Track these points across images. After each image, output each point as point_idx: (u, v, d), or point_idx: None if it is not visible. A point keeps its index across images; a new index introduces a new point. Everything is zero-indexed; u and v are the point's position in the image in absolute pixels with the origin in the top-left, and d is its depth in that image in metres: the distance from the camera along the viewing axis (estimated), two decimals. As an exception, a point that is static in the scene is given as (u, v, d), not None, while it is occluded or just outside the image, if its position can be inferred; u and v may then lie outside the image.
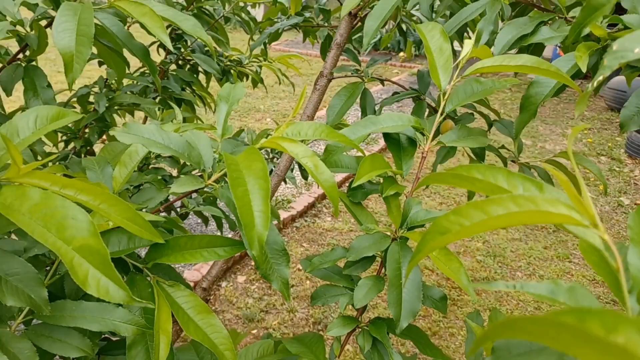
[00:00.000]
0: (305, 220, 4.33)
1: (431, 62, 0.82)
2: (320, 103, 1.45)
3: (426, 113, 1.34)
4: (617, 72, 0.80)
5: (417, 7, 1.58)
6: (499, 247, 3.92)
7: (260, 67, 2.24)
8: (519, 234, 4.13)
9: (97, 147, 1.74)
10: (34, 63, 0.95)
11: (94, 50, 0.92)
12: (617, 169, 5.55)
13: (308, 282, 3.54)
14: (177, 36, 1.93)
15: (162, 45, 2.01)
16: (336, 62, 1.36)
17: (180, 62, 2.06)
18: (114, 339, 0.85)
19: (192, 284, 3.23)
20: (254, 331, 3.05)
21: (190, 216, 3.68)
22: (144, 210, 0.79)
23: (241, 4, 2.08)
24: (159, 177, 1.36)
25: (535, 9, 1.05)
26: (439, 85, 0.81)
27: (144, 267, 0.73)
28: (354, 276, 0.84)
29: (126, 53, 0.93)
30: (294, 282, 3.53)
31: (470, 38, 0.89)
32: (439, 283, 3.44)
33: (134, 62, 1.12)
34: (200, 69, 2.08)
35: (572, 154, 1.11)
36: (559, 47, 1.07)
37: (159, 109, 1.72)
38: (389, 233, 0.78)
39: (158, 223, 0.76)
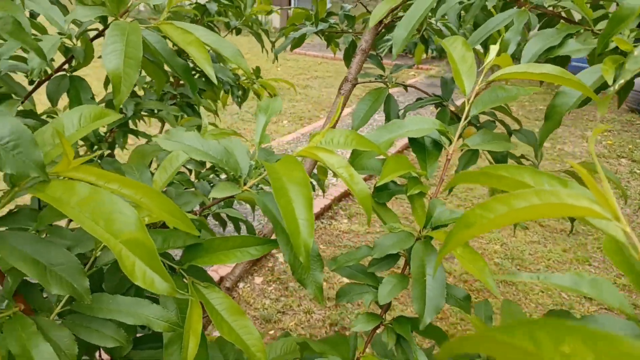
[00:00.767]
0: (322, 222, 4.35)
1: (455, 69, 0.83)
2: (344, 106, 1.47)
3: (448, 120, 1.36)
4: (638, 75, 0.82)
5: (433, 17, 1.60)
6: (517, 250, 3.90)
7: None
8: (537, 237, 4.11)
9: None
10: (78, 74, 0.98)
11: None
12: (638, 171, 5.50)
13: (325, 283, 3.56)
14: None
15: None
16: (361, 68, 1.38)
17: (194, 72, 2.10)
18: (139, 335, 0.88)
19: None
20: (271, 332, 3.07)
21: (207, 219, 3.74)
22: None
23: (253, 16, 2.11)
24: (186, 179, 1.40)
25: (563, 21, 1.06)
26: (464, 90, 0.83)
27: (180, 269, 0.75)
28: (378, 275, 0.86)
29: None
30: (310, 284, 3.54)
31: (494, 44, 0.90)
32: (455, 285, 3.44)
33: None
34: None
35: (588, 165, 1.11)
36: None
37: (180, 117, 1.76)
38: (413, 232, 0.80)
39: (194, 224, 0.79)
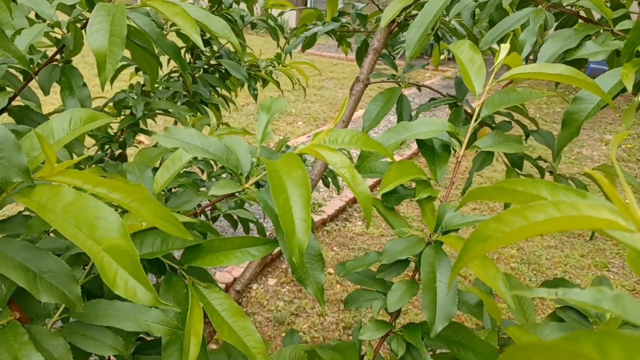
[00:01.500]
0: (336, 224, 4.32)
1: (463, 71, 0.81)
2: (355, 108, 1.44)
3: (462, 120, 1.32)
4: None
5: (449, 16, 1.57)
6: (534, 255, 3.84)
7: (271, 71, 2.24)
8: (554, 242, 4.04)
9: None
10: (71, 64, 0.97)
11: (127, 54, 0.93)
12: (659, 175, 5.39)
13: (339, 286, 3.53)
14: (205, 42, 1.95)
15: (188, 51, 2.05)
16: (373, 68, 1.35)
17: (206, 67, 2.08)
18: (148, 338, 0.86)
19: (223, 286, 3.26)
20: (284, 334, 3.05)
21: (219, 219, 3.73)
22: (179, 212, 0.80)
23: (269, 9, 2.09)
24: (192, 181, 1.38)
25: (581, 21, 1.02)
26: (474, 90, 0.79)
27: (180, 269, 0.73)
28: (388, 281, 0.83)
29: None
30: (325, 286, 3.51)
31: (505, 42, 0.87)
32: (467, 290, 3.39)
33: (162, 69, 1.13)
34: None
35: (608, 168, 1.07)
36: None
37: (190, 116, 1.74)
38: (423, 237, 0.77)
39: (193, 225, 0.77)
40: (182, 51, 1.94)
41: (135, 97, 1.71)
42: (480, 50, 1.20)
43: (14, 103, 0.93)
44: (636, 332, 0.23)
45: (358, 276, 0.84)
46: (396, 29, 1.46)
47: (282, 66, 2.24)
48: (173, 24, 1.69)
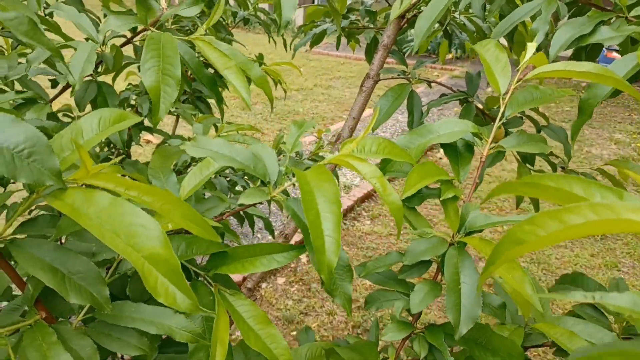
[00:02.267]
0: (345, 224, 4.32)
1: (488, 69, 0.80)
2: (366, 105, 1.44)
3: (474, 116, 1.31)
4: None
5: (457, 10, 1.56)
6: (543, 254, 3.82)
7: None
8: (564, 241, 4.02)
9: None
10: (104, 80, 0.97)
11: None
12: (668, 174, 5.36)
13: (348, 285, 3.53)
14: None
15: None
16: (383, 64, 1.35)
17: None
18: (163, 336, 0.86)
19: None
20: (293, 333, 3.05)
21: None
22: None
23: (261, 5, 2.08)
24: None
25: (594, 8, 1.02)
26: (498, 89, 0.79)
27: (205, 275, 0.73)
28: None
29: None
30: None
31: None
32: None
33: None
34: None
35: (619, 163, 1.06)
36: (606, 49, 1.04)
37: (193, 114, 1.74)
38: (445, 237, 0.76)
39: (218, 230, 0.77)
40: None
41: (137, 95, 1.72)
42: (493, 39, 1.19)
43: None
44: None
45: (379, 276, 0.83)
46: (405, 25, 1.46)
47: (264, 65, 2.23)
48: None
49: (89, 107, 1.10)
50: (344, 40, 1.92)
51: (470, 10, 1.49)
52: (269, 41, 2.16)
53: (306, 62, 8.97)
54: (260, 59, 2.14)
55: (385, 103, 1.29)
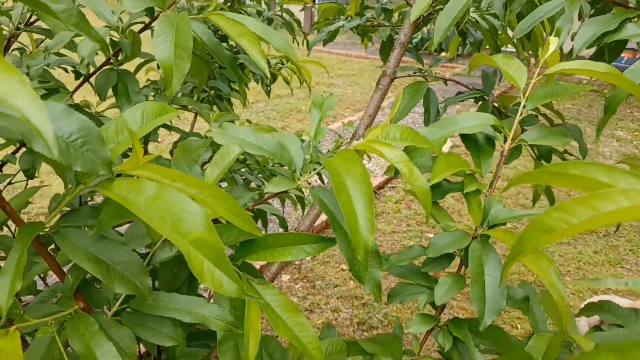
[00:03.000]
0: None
1: (504, 71, 0.82)
2: (382, 102, 1.45)
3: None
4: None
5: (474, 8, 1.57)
6: (546, 251, 3.84)
7: (280, 68, 2.23)
8: (567, 238, 4.04)
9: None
10: (125, 68, 0.98)
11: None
12: (670, 172, 5.37)
13: (352, 282, 3.55)
14: (222, 37, 1.96)
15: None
16: (399, 62, 1.36)
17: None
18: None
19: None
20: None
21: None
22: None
23: (285, 5, 2.10)
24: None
25: (617, 7, 1.03)
26: (517, 85, 0.80)
27: (234, 264, 0.74)
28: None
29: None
30: (338, 282, 3.54)
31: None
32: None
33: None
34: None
35: (632, 161, 1.07)
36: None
37: (211, 110, 1.75)
38: (468, 231, 0.78)
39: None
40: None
41: (154, 92, 1.73)
42: (513, 38, 1.20)
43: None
44: None
45: (401, 270, 0.85)
46: (421, 22, 1.47)
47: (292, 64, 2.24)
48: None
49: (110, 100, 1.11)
50: (344, 38, 1.93)
51: (489, 9, 1.50)
52: (294, 41, 2.18)
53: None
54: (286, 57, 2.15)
55: (403, 101, 1.30)
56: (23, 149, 1.00)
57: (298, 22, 2.20)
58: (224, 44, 2.03)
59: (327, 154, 0.79)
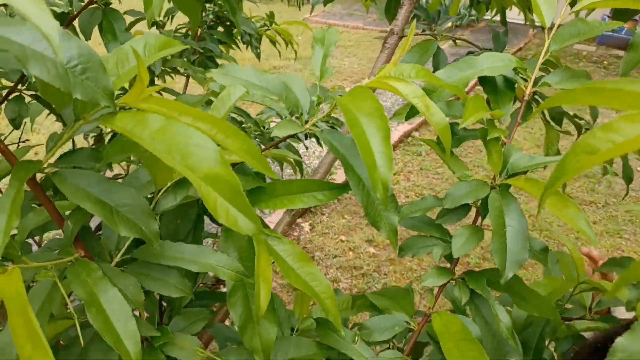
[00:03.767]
0: (348, 192, 4.31)
1: (534, 2, 0.77)
2: (389, 61, 1.41)
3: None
4: None
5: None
6: (545, 222, 3.83)
7: (266, 30, 2.17)
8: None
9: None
10: (112, 6, 0.93)
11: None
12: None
13: (351, 253, 3.54)
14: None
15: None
16: (408, 19, 1.31)
17: (211, 23, 2.01)
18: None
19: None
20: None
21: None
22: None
23: None
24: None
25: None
26: (543, 22, 0.76)
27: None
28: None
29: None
30: (337, 253, 3.53)
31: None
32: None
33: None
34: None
35: None
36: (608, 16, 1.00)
37: (204, 75, 1.70)
38: (486, 181, 0.74)
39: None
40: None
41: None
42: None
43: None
44: None
45: (413, 222, 0.81)
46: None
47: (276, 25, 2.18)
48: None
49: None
50: (340, 9, 1.88)
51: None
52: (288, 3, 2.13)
53: (304, 31, 8.84)
54: (271, 17, 2.09)
55: (410, 59, 1.26)
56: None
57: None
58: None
59: (336, 93, 0.74)
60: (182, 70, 1.80)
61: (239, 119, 1.58)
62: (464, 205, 0.76)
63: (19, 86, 0.99)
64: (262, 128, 1.68)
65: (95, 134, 1.55)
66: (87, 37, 0.92)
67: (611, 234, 3.73)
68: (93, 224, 0.90)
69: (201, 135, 0.45)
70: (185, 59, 1.85)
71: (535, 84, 0.80)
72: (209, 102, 1.15)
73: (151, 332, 0.63)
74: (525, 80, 0.79)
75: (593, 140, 0.38)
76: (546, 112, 1.28)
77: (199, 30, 1.89)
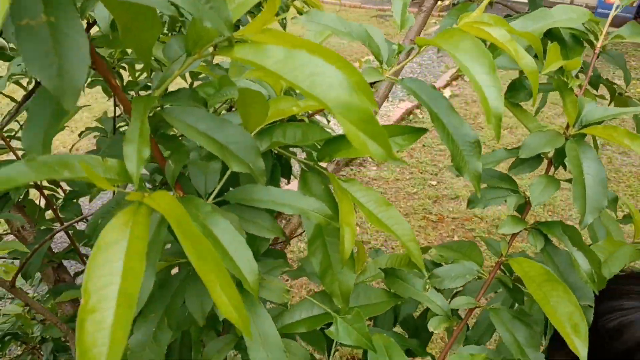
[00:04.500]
0: (351, 169, 4.33)
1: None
2: (424, 25, 1.40)
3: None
4: None
5: None
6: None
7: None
8: (568, 184, 4.07)
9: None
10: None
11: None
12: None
13: (358, 228, 3.56)
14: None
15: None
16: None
17: None
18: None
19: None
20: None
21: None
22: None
23: None
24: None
25: None
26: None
27: (315, 164, 0.71)
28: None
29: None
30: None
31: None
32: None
33: None
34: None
35: None
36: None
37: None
38: (560, 131, 0.75)
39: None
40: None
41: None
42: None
43: None
44: None
45: (483, 174, 0.82)
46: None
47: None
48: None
49: None
50: None
51: None
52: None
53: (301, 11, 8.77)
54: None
55: (449, 23, 1.25)
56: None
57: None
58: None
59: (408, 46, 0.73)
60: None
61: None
62: (537, 157, 0.77)
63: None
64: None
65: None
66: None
67: (611, 209, 3.77)
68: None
69: (325, 64, 0.45)
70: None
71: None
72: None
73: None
74: (595, 34, 0.79)
75: None
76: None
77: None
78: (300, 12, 2.12)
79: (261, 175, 0.54)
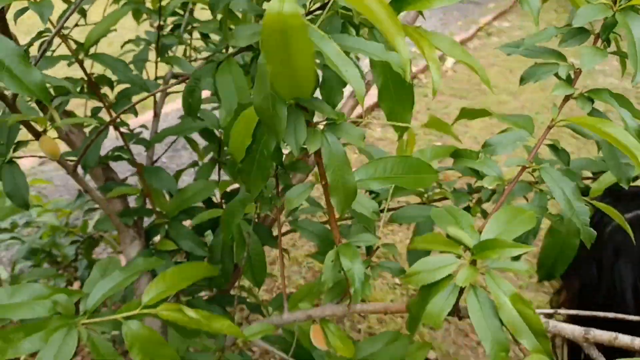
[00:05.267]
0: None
1: None
2: None
3: None
4: None
5: None
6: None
7: None
8: (571, 148, 4.14)
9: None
10: None
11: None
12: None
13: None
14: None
15: None
16: None
17: None
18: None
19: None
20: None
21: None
22: None
23: None
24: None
25: None
26: None
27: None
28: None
29: None
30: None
31: None
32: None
33: None
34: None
35: None
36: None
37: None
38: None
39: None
40: None
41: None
42: None
43: None
44: None
45: (528, 51, 0.88)
46: None
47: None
48: None
49: None
50: None
51: None
52: None
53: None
54: None
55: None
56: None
57: None
58: None
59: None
60: None
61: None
62: (585, 31, 0.83)
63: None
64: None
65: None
66: None
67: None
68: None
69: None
70: None
71: None
72: None
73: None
74: None
75: None
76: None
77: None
78: None
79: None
